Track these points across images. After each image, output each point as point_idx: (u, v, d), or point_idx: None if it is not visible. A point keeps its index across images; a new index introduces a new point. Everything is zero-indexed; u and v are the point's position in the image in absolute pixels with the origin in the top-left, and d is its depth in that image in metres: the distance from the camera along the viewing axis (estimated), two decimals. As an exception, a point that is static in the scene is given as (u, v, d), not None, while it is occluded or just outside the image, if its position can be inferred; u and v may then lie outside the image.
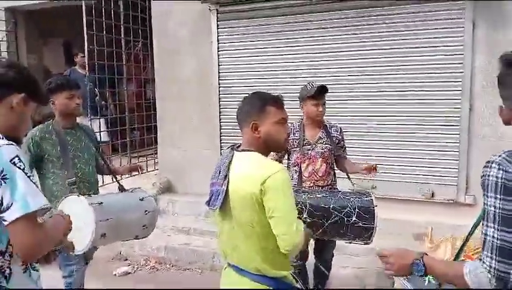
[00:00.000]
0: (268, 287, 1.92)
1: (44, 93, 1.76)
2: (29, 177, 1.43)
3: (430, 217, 4.33)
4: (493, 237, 1.37)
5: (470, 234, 1.77)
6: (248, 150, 1.98)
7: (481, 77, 4.31)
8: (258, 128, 1.95)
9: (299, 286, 2.06)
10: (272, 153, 2.33)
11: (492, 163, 1.40)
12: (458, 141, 4.46)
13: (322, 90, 3.17)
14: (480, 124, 4.35)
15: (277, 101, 2.02)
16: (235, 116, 2.07)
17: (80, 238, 2.56)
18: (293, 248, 1.85)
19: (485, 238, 1.40)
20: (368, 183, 4.24)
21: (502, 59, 1.49)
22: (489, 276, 1.36)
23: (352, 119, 4.74)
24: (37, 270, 1.59)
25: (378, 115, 4.75)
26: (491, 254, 1.36)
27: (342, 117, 4.52)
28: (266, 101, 1.99)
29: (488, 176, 1.39)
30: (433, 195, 4.60)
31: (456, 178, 4.49)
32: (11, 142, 1.46)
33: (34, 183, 1.44)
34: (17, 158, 1.43)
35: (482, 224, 1.42)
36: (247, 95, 2.09)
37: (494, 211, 1.36)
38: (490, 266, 1.36)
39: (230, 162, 1.97)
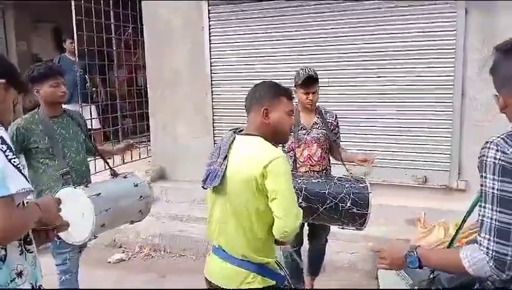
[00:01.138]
0: (250, 273, 1.94)
1: (24, 81, 1.73)
2: (10, 160, 1.40)
3: (422, 203, 4.37)
4: (491, 218, 1.35)
5: (464, 220, 1.76)
6: (252, 134, 2.00)
7: (473, 63, 4.31)
8: (268, 115, 1.98)
9: (282, 273, 2.07)
10: None
11: (490, 144, 1.39)
12: (451, 127, 4.48)
13: (309, 79, 3.11)
14: (473, 110, 4.37)
15: (290, 93, 2.08)
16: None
17: (79, 230, 2.55)
18: (290, 231, 1.87)
19: (482, 220, 1.38)
20: (361, 169, 4.26)
21: (498, 48, 1.50)
22: (487, 258, 1.34)
23: (345, 106, 4.71)
24: (32, 252, 1.58)
25: (370, 101, 4.75)
26: (489, 235, 1.35)
27: (334, 103, 4.50)
28: (280, 91, 2.04)
29: (486, 157, 1.38)
30: (425, 180, 4.63)
31: (449, 163, 4.52)
32: None
33: (16, 165, 1.41)
34: (0, 139, 1.41)
35: (480, 206, 1.40)
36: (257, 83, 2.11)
37: (493, 193, 1.35)
38: (488, 248, 1.34)
39: (231, 145, 1.97)
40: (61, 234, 2.69)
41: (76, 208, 2.54)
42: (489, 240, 1.35)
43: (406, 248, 1.60)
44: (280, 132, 2.03)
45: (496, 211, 1.34)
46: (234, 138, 2.00)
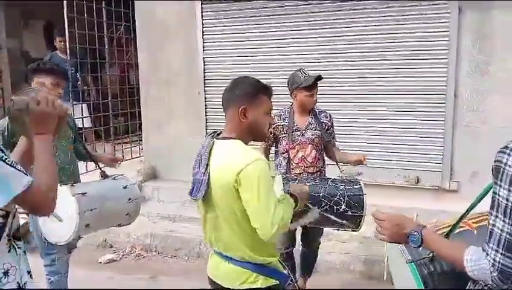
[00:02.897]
0: (253, 273, 1.92)
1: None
2: (5, 161, 1.35)
3: (414, 203, 4.36)
4: (502, 230, 1.29)
5: (468, 211, 1.71)
6: (229, 138, 1.95)
7: (466, 63, 4.32)
8: (246, 114, 1.91)
9: (286, 273, 2.05)
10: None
11: (510, 150, 1.27)
12: (443, 127, 4.48)
13: (317, 80, 3.11)
14: (465, 110, 4.38)
15: (269, 91, 2.00)
16: (221, 100, 2.03)
17: (63, 228, 2.51)
18: (269, 239, 1.84)
19: (492, 229, 1.32)
20: (354, 169, 4.25)
21: None
22: (492, 269, 1.30)
23: (337, 106, 4.71)
24: (20, 248, 1.54)
25: (363, 101, 4.75)
26: (497, 247, 1.29)
27: (327, 103, 4.49)
28: (259, 89, 1.96)
29: (505, 164, 1.28)
30: (418, 181, 4.64)
31: (441, 164, 4.53)
32: None
33: (11, 164, 1.36)
34: None
35: (491, 214, 1.33)
36: (236, 78, 2.04)
37: (506, 204, 1.28)
38: (495, 260, 1.30)
39: (210, 151, 1.94)
40: (46, 235, 2.66)
41: (61, 207, 2.50)
42: (497, 251, 1.30)
43: (410, 225, 1.54)
44: (258, 131, 1.99)
45: (509, 223, 1.28)
46: (213, 143, 1.96)
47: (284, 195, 2.08)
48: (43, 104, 1.47)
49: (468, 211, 1.72)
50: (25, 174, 1.38)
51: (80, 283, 3.34)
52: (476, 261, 1.33)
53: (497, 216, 1.30)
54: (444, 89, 4.42)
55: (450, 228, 1.76)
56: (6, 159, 1.36)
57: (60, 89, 2.85)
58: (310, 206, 2.48)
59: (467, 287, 1.48)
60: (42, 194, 1.41)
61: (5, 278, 1.45)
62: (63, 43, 5.93)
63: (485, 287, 1.39)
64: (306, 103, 3.15)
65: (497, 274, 1.30)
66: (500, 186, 1.29)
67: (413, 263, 1.69)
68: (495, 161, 1.31)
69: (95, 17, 5.82)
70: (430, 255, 1.66)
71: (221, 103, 2.03)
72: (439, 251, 1.50)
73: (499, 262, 1.29)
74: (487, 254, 1.31)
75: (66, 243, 2.62)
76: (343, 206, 2.63)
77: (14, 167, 1.37)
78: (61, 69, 2.93)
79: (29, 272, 1.57)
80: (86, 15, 5.67)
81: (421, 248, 1.55)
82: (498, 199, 1.30)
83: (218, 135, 2.01)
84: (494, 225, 1.31)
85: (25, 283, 1.53)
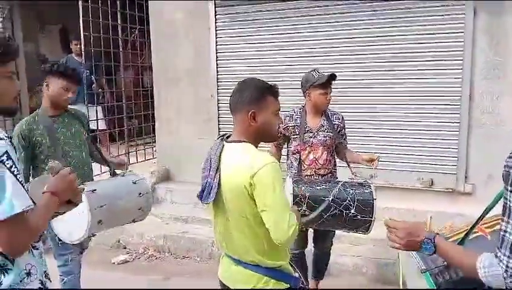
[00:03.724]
0: (263, 276, 1.91)
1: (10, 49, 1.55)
2: (16, 175, 1.40)
3: (429, 206, 4.31)
4: None
5: (481, 217, 1.70)
6: (239, 141, 1.94)
7: (481, 65, 4.27)
8: (255, 118, 1.90)
9: (297, 276, 2.05)
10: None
11: None
12: (458, 130, 4.43)
13: (332, 78, 3.09)
14: (480, 112, 4.32)
15: (276, 91, 1.98)
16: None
17: (76, 227, 2.54)
18: (285, 242, 1.83)
19: (504, 235, 1.31)
20: (368, 171, 4.22)
21: None
22: (505, 275, 1.29)
23: (351, 108, 4.68)
24: (38, 249, 1.60)
25: (377, 103, 4.72)
26: (510, 253, 1.29)
27: (341, 105, 4.47)
28: (265, 90, 1.94)
29: None
30: (432, 184, 4.59)
31: (456, 167, 4.48)
32: (0, 136, 1.41)
33: (21, 182, 1.42)
34: (5, 155, 1.39)
35: (502, 220, 1.33)
36: (242, 80, 2.03)
37: None
38: (508, 266, 1.29)
39: (220, 154, 1.93)
40: (60, 235, 2.69)
41: None
42: (509, 257, 1.29)
43: (423, 233, 1.54)
44: (268, 133, 1.98)
45: None
46: (223, 146, 1.95)
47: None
48: (70, 179, 1.65)
49: (482, 216, 1.71)
50: (29, 197, 1.44)
51: (92, 283, 3.37)
52: (489, 267, 1.32)
53: (508, 222, 1.29)
54: (459, 90, 4.37)
55: (464, 233, 1.75)
56: (17, 174, 1.41)
57: (69, 93, 2.87)
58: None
59: None
60: (25, 227, 1.44)
61: (27, 278, 1.52)
62: (78, 46, 6.01)
63: None
64: (319, 102, 3.12)
65: (510, 280, 1.28)
66: (510, 191, 1.28)
67: (427, 272, 1.69)
68: (504, 167, 1.30)
69: (109, 21, 5.89)
70: (445, 263, 1.66)
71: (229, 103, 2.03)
72: (452, 258, 1.50)
73: None
74: (500, 261, 1.30)
75: (79, 241, 2.65)
76: (352, 211, 2.61)
77: (22, 185, 1.42)
78: (73, 74, 2.93)
79: (46, 274, 1.62)
80: (101, 18, 5.74)
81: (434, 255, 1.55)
82: (509, 205, 1.29)
83: (228, 137, 2.01)
84: (505, 231, 1.30)
85: (45, 283, 1.59)
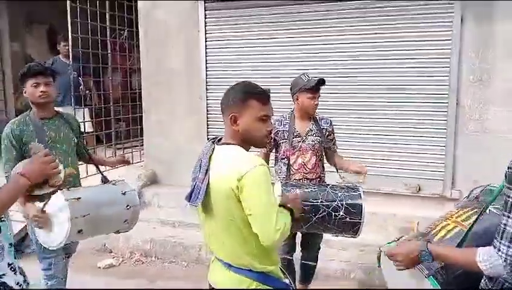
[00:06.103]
0: (253, 281, 1.90)
1: None
2: None
3: (416, 211, 4.34)
4: None
5: (481, 213, 1.87)
6: (228, 144, 1.93)
7: (468, 72, 4.32)
8: (236, 121, 1.88)
9: (287, 281, 2.03)
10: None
11: None
12: (445, 136, 4.47)
13: (320, 83, 3.11)
14: (467, 119, 4.37)
15: (262, 96, 1.91)
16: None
17: (57, 233, 2.50)
18: (272, 245, 1.83)
19: (504, 229, 1.45)
20: (355, 178, 4.23)
21: None
22: (505, 263, 1.42)
23: (339, 113, 4.71)
24: (4, 221, 1.62)
25: (365, 109, 4.74)
26: (509, 243, 1.42)
27: (329, 110, 4.49)
28: (250, 94, 1.90)
29: None
30: (419, 189, 4.62)
31: (443, 172, 4.52)
32: None
33: None
34: None
35: (503, 215, 1.46)
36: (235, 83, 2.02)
37: None
38: (507, 254, 1.43)
39: (211, 156, 1.92)
40: (39, 238, 2.65)
41: (55, 211, 2.49)
42: (509, 247, 1.43)
43: (417, 247, 1.72)
44: (251, 139, 1.92)
45: None
46: (213, 149, 1.93)
47: (280, 208, 2.05)
48: (43, 161, 1.68)
49: (482, 212, 1.90)
50: None
51: (78, 287, 3.32)
52: (488, 259, 1.46)
53: (509, 217, 1.44)
54: (446, 97, 4.42)
55: (468, 228, 1.94)
56: None
57: (40, 87, 2.81)
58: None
59: (483, 286, 1.62)
60: None
61: None
62: (66, 48, 5.95)
63: (505, 284, 1.52)
64: (308, 106, 3.13)
65: (510, 268, 1.44)
66: None
67: (431, 276, 1.86)
68: (508, 168, 1.44)
69: (98, 22, 5.84)
70: (442, 264, 1.85)
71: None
72: (450, 259, 1.68)
73: (511, 255, 1.43)
74: (499, 250, 1.44)
75: (58, 247, 2.59)
76: (341, 213, 2.61)
77: None
78: (30, 68, 2.86)
79: (10, 265, 1.64)
80: (89, 20, 5.68)
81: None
82: (510, 201, 1.43)
83: (219, 140, 1.99)
84: (506, 225, 1.45)
85: (3, 274, 1.61)
